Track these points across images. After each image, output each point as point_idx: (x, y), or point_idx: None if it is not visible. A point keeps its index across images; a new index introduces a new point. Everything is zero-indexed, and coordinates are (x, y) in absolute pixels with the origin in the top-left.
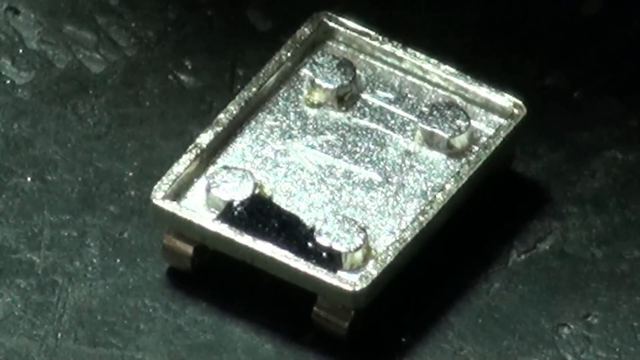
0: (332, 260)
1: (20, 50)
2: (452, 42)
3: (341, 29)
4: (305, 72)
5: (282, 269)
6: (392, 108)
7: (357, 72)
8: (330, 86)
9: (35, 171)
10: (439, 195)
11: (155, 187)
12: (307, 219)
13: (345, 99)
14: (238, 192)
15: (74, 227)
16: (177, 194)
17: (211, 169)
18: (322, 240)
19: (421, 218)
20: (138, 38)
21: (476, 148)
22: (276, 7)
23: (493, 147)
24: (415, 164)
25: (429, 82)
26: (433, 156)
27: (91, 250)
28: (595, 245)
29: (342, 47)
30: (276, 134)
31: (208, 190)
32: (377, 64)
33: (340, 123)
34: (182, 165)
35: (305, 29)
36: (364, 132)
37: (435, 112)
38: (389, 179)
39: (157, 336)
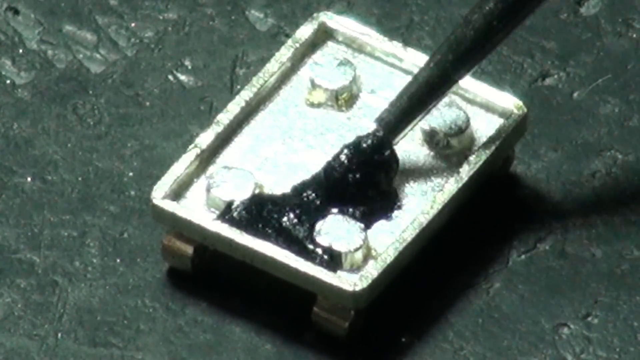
0: (332, 260)
1: (20, 50)
2: None
3: (341, 29)
4: (305, 72)
5: (282, 269)
6: None
7: (357, 72)
8: (330, 86)
9: (35, 171)
10: (439, 195)
11: (155, 187)
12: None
13: (345, 99)
14: (238, 192)
15: (74, 227)
16: (177, 193)
17: (211, 169)
18: (322, 240)
19: (421, 218)
20: (138, 38)
21: (476, 148)
22: (276, 7)
23: (493, 147)
24: (416, 164)
25: None
26: (433, 156)
27: (91, 250)
28: (595, 245)
29: (342, 47)
30: (276, 134)
31: (208, 190)
32: (377, 64)
33: (340, 123)
34: (182, 165)
35: (305, 29)
36: (364, 132)
37: (435, 112)
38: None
39: (157, 336)
